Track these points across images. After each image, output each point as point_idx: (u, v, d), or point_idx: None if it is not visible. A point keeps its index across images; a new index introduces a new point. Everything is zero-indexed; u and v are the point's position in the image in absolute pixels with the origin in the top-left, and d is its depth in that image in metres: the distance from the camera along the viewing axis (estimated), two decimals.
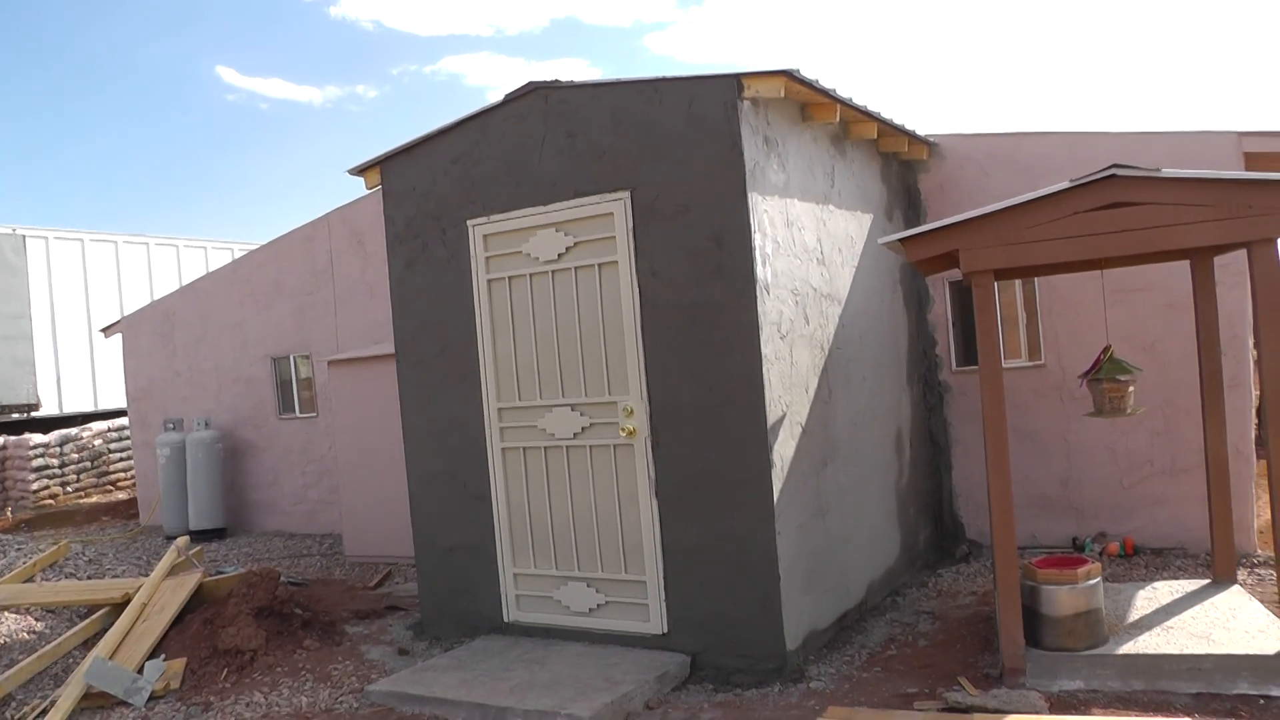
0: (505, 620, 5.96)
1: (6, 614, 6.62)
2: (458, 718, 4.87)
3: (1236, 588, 5.36)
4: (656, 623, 5.42)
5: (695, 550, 5.30)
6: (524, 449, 5.86)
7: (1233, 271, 6.53)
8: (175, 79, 49.80)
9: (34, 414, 16.25)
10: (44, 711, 5.34)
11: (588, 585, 5.67)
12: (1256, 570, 6.33)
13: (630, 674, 5.04)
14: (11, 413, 15.96)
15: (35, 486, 14.17)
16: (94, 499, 14.61)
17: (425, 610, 6.35)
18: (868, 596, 6.13)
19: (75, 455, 14.81)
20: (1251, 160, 6.57)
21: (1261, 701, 4.30)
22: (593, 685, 4.91)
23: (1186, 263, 5.89)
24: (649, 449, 5.41)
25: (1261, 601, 5.33)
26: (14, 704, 5.55)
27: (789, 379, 5.35)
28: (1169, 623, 4.89)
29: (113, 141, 47.58)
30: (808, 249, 5.71)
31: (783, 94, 5.11)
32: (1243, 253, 5.34)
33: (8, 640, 6.29)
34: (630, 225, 5.39)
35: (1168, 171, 4.44)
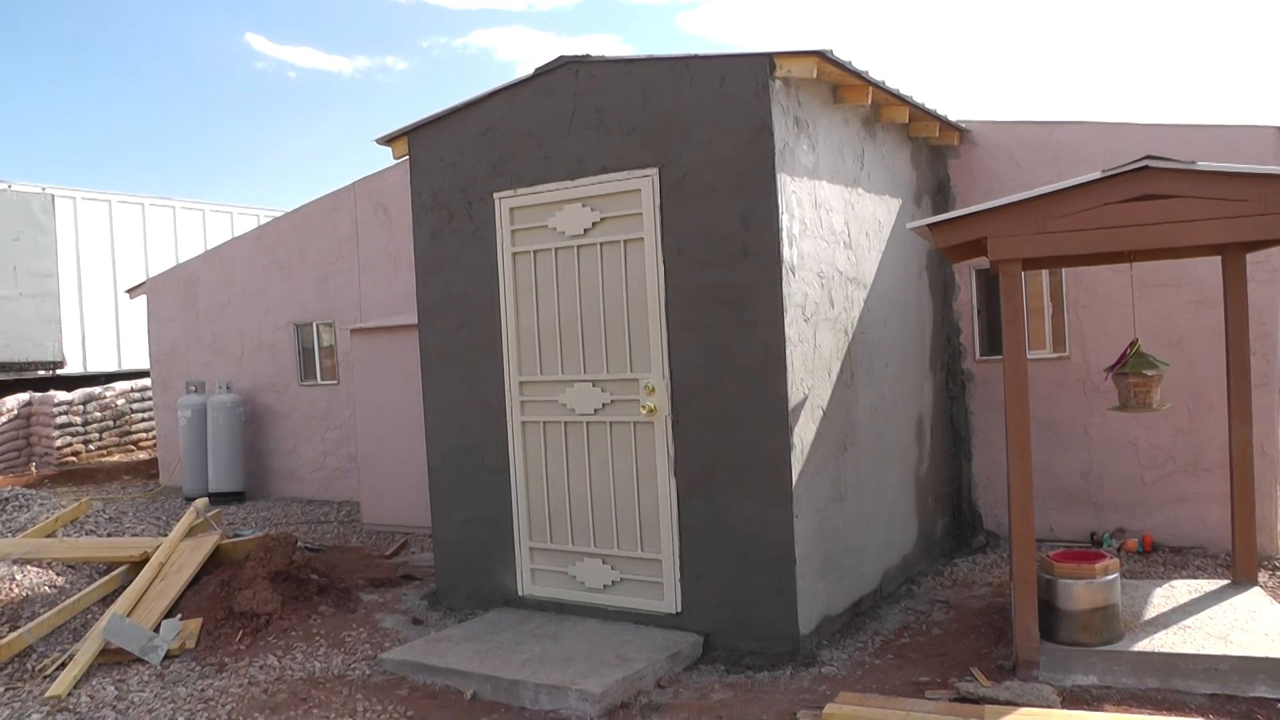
0: (520, 594, 5.99)
1: (29, 567, 6.71)
2: (469, 689, 4.90)
3: (1257, 589, 5.30)
4: (670, 602, 5.43)
5: (712, 530, 5.29)
6: (544, 424, 5.87)
7: (1266, 268, 6.44)
8: (205, 46, 49.95)
9: (59, 372, 16.45)
10: (63, 665, 5.42)
11: (603, 562, 5.68)
12: (1278, 573, 6.27)
13: (643, 652, 5.06)
14: (37, 369, 16.15)
15: (59, 443, 14.33)
16: (115, 458, 14.77)
17: (440, 581, 6.39)
18: (883, 583, 6.12)
19: (98, 414, 14.96)
20: None
21: (1279, 705, 4.26)
22: (605, 661, 4.93)
23: (1215, 257, 5.80)
24: (669, 427, 5.40)
25: None
26: (35, 655, 5.64)
27: (812, 362, 5.32)
28: (1186, 622, 4.85)
29: (142, 107, 47.82)
30: (835, 232, 5.67)
31: (815, 75, 5.05)
32: (1276, 249, 5.27)
33: (29, 593, 6.37)
34: (657, 202, 5.36)
35: (1202, 164, 4.35)
